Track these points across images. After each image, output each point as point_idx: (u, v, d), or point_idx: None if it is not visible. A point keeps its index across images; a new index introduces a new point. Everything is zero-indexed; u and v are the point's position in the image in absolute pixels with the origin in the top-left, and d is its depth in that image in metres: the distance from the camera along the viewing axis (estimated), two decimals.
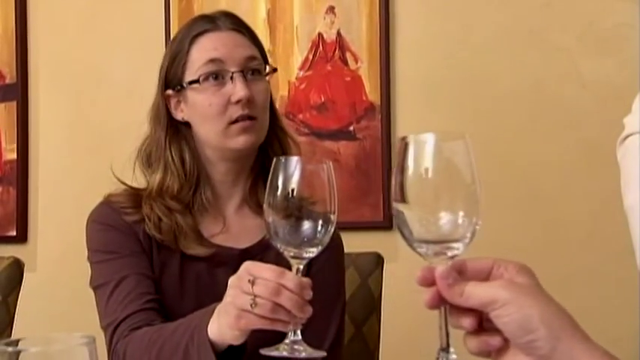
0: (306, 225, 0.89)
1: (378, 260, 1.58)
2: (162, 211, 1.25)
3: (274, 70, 1.33)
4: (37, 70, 2.54)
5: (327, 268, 1.26)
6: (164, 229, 1.24)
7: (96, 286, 1.24)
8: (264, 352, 0.90)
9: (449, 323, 0.68)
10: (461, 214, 0.68)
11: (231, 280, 0.95)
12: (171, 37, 1.46)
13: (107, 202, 1.29)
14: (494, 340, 0.66)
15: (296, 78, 2.21)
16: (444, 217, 0.67)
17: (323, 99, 2.18)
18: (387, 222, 2.08)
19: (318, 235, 0.89)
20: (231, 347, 1.00)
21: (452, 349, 0.69)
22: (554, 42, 1.98)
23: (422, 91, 2.10)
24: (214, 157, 1.29)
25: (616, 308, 1.83)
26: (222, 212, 1.31)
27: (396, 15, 2.13)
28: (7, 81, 2.55)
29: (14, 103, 2.53)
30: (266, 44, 2.16)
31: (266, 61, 1.31)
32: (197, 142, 1.29)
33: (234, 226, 1.30)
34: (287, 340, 0.91)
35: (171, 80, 1.29)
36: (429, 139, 0.68)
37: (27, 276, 1.70)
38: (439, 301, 0.68)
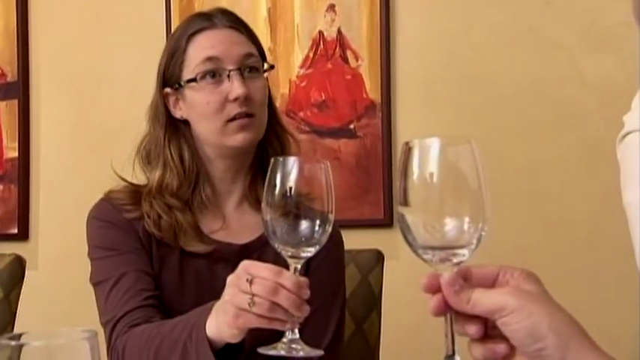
0: (304, 224, 0.89)
1: (378, 257, 1.58)
2: (162, 208, 1.25)
3: (272, 67, 1.33)
4: (39, 68, 2.54)
5: (326, 265, 1.26)
6: (164, 227, 1.24)
7: (95, 283, 1.25)
8: (261, 350, 0.91)
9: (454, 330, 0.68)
10: (467, 219, 0.67)
11: (230, 279, 0.96)
12: None
13: (107, 199, 1.29)
14: (500, 348, 0.65)
15: (297, 76, 2.21)
16: (450, 223, 0.67)
17: (323, 97, 2.18)
18: (387, 220, 2.08)
19: (315, 235, 0.90)
20: (229, 345, 1.00)
21: (458, 358, 0.68)
22: (554, 40, 1.98)
23: (422, 89, 2.10)
24: (213, 155, 1.29)
25: (616, 308, 1.82)
26: (221, 209, 1.31)
27: (396, 13, 2.13)
28: (9, 79, 2.54)
29: (15, 102, 2.52)
30: (267, 42, 2.18)
31: (264, 59, 1.31)
32: (196, 140, 1.29)
33: (233, 223, 1.30)
34: (285, 339, 0.91)
35: (169, 78, 1.29)
36: (433, 144, 0.67)
37: (28, 274, 1.70)
38: (445, 308, 0.67)
